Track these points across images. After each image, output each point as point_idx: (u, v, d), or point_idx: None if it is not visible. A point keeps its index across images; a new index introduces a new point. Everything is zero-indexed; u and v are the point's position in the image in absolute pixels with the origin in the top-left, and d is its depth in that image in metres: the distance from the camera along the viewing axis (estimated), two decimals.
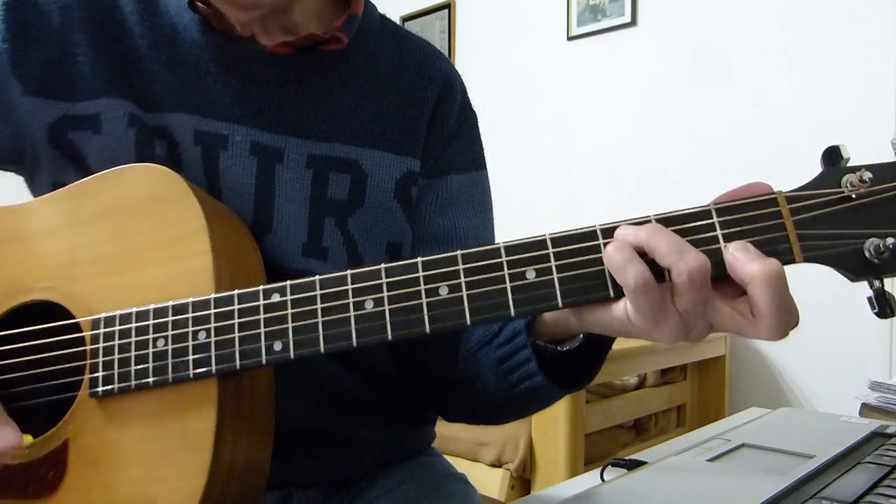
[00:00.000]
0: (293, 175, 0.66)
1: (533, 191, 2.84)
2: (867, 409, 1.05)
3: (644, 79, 2.57)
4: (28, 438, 0.55)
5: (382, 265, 0.49)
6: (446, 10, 3.25)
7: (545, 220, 2.81)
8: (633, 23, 2.59)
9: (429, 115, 0.72)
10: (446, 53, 3.22)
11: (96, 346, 0.54)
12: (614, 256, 0.44)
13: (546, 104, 2.86)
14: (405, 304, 0.49)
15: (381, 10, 0.76)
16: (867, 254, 0.43)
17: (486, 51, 3.10)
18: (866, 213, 0.44)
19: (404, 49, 0.74)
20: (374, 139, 0.69)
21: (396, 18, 3.41)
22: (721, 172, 2.33)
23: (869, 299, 0.44)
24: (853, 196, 0.44)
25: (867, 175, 0.44)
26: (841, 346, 2.01)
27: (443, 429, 0.82)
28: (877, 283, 0.44)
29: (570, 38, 2.78)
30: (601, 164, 2.67)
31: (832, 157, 0.45)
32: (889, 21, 2.03)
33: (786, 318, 0.42)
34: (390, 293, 0.49)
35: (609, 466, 0.73)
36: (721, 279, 0.44)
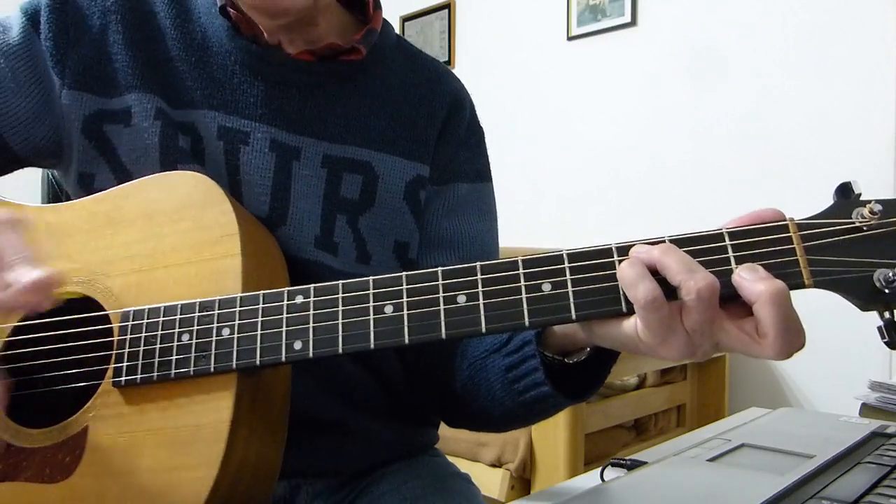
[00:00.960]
0: (308, 172, 0.69)
1: (533, 190, 2.84)
2: (867, 409, 1.05)
3: (644, 79, 2.57)
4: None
5: (404, 273, 0.51)
6: (446, 10, 3.24)
7: (545, 220, 2.82)
8: (633, 23, 2.59)
9: (439, 127, 0.75)
10: (446, 53, 3.22)
11: (123, 337, 0.56)
12: (627, 273, 0.46)
13: (546, 104, 2.86)
14: (423, 309, 0.50)
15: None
16: (877, 283, 0.44)
17: (486, 51, 3.10)
18: (876, 244, 0.45)
19: (418, 66, 0.78)
20: (387, 144, 0.72)
21: (396, 18, 3.41)
22: (721, 172, 2.34)
23: (879, 329, 0.45)
24: (863, 228, 0.45)
25: (877, 207, 0.45)
26: (841, 347, 2.00)
27: (443, 429, 0.83)
28: (887, 314, 0.45)
29: (570, 38, 2.78)
30: (601, 164, 2.67)
31: (844, 191, 0.47)
32: (889, 21, 2.03)
33: (790, 337, 0.44)
34: (410, 299, 0.51)
35: (609, 466, 0.74)
36: (730, 300, 0.45)
